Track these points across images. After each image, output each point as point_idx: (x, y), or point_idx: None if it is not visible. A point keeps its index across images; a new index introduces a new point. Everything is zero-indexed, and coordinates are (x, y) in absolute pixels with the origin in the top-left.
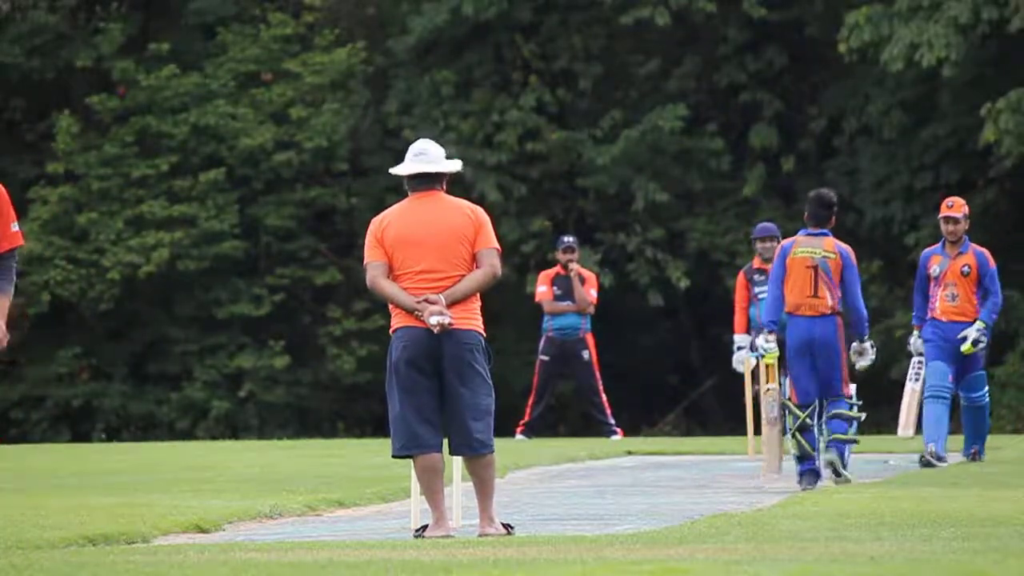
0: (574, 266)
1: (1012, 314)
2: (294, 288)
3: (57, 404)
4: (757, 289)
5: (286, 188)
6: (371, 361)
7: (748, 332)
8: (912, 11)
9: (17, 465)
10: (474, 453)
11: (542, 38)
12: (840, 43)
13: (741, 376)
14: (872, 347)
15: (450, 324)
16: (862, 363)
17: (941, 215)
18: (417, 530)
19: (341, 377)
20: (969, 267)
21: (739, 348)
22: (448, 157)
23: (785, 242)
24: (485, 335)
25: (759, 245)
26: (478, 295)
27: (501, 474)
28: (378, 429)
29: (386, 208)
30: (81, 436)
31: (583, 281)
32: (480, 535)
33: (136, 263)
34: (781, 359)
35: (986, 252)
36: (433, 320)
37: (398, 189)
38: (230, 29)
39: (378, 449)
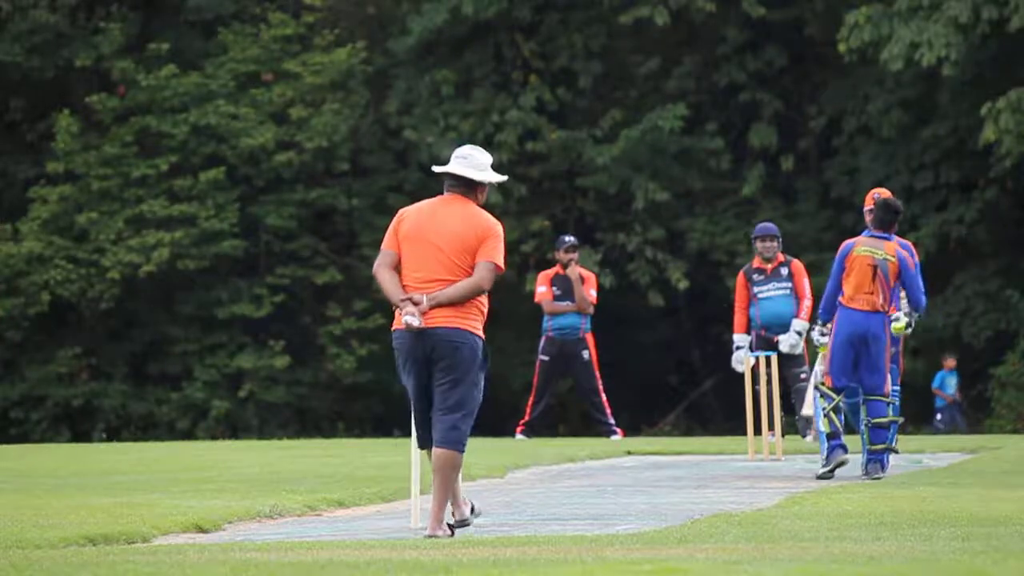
0: (573, 266)
1: (1012, 314)
2: (294, 288)
3: (57, 404)
4: (757, 289)
5: (286, 188)
6: (371, 361)
7: (747, 332)
8: (912, 11)
9: (17, 465)
10: (440, 448)
11: (542, 37)
12: (840, 43)
13: (741, 376)
14: (906, 314)
15: (419, 326)
16: (896, 325)
17: (866, 207)
18: (456, 524)
19: (341, 377)
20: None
21: (738, 348)
22: (449, 157)
23: (847, 242)
24: (479, 335)
25: (759, 245)
26: (481, 301)
27: (501, 474)
28: (378, 429)
29: (392, 206)
30: (81, 436)
31: (582, 281)
32: (428, 535)
33: (136, 263)
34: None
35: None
36: (404, 319)
37: (399, 189)
38: (230, 29)
39: (378, 449)
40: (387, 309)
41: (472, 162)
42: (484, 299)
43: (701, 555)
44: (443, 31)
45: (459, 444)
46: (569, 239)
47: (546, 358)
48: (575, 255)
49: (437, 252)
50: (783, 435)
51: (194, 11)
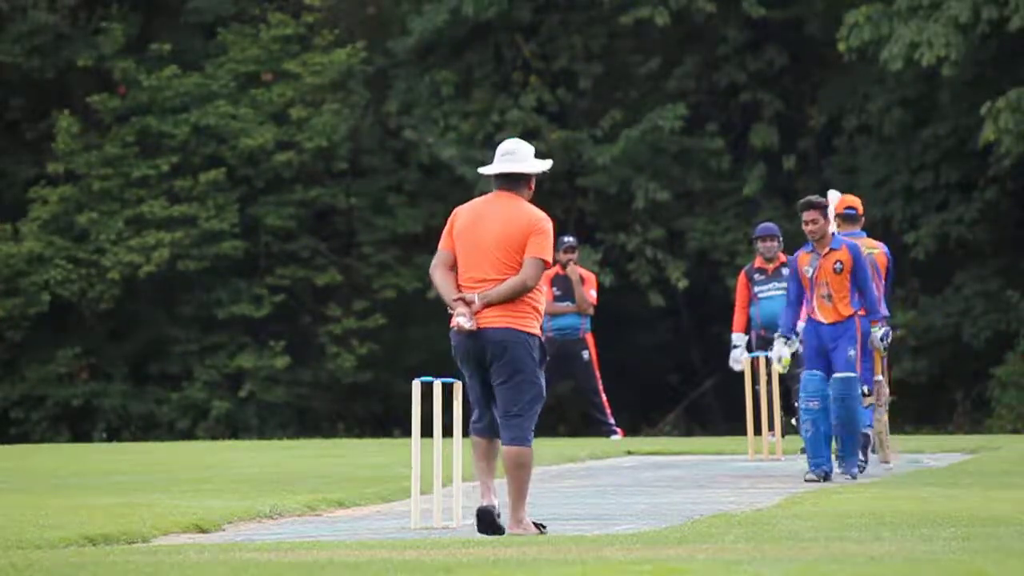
0: (572, 266)
1: (1012, 314)
2: (294, 288)
3: (57, 404)
4: (757, 289)
5: (286, 188)
6: (371, 360)
7: (746, 332)
8: (912, 10)
9: (17, 465)
10: (507, 446)
11: (542, 38)
12: (840, 42)
13: (741, 376)
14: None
15: (468, 327)
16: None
17: (838, 213)
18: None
19: (341, 377)
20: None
21: (735, 347)
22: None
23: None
24: (531, 332)
25: (760, 245)
26: (536, 296)
27: (501, 474)
28: (378, 429)
29: (392, 206)
30: (81, 436)
31: (582, 281)
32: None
33: (136, 263)
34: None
35: (859, 245)
36: (457, 321)
37: (399, 189)
38: (230, 29)
39: (378, 449)
40: (388, 309)
41: (517, 157)
42: (538, 296)
43: (701, 555)
44: (443, 32)
45: (524, 441)
46: (568, 240)
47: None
48: (574, 255)
49: (486, 252)
50: (783, 435)
51: (194, 12)
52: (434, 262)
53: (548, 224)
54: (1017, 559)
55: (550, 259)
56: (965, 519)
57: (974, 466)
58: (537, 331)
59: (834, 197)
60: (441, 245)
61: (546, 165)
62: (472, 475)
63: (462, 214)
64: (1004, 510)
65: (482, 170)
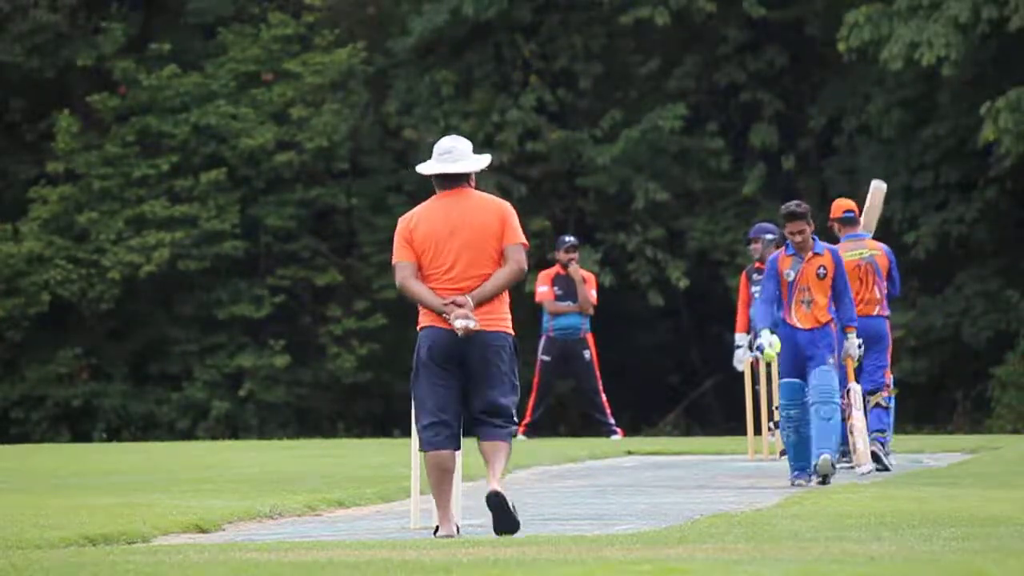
0: (575, 266)
1: (1012, 314)
2: (294, 288)
3: (57, 404)
4: (754, 288)
5: (287, 188)
6: (371, 360)
7: (748, 331)
8: (912, 10)
9: (17, 465)
10: (492, 440)
11: (542, 38)
12: (840, 42)
13: (741, 376)
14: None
15: (475, 328)
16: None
17: (835, 217)
18: (435, 530)
19: (341, 377)
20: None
21: (738, 347)
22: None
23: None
24: (513, 333)
25: (751, 246)
26: (506, 293)
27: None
28: (378, 429)
29: (392, 206)
30: (81, 436)
31: (583, 281)
32: (491, 491)
33: (136, 263)
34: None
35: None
36: (458, 324)
37: (399, 189)
38: (230, 29)
39: (378, 449)
40: (388, 309)
41: (456, 155)
42: (507, 293)
43: (701, 555)
44: (443, 31)
45: (510, 437)
46: (570, 239)
47: (547, 358)
48: (575, 255)
49: (467, 248)
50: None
51: (194, 12)
52: (403, 275)
53: (510, 206)
54: (1017, 559)
55: (525, 240)
56: (965, 519)
57: (974, 466)
58: (511, 329)
59: (878, 186)
60: (402, 257)
61: (486, 161)
62: (435, 498)
63: (422, 222)
64: (1004, 510)
65: (421, 168)
